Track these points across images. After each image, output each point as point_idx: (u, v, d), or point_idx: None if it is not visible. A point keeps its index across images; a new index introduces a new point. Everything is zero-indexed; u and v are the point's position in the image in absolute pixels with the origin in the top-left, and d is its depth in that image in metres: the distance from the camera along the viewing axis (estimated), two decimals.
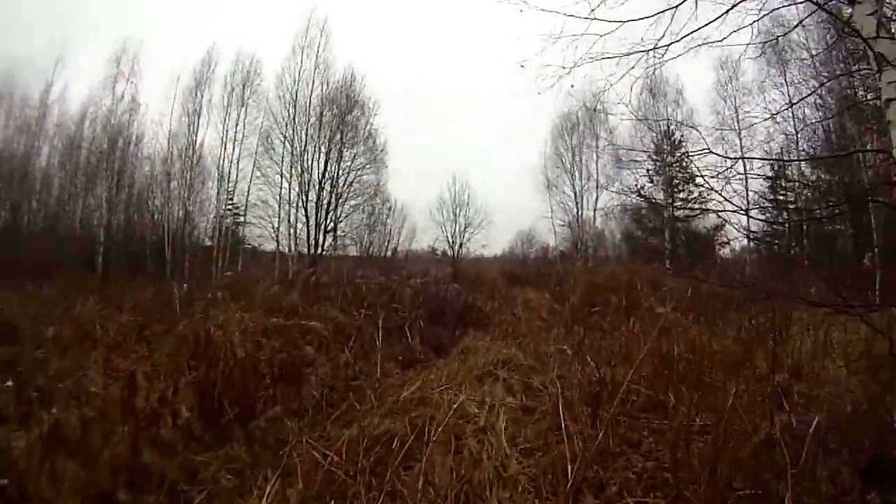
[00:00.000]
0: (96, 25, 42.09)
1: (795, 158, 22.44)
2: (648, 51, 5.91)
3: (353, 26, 55.65)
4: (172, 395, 4.93)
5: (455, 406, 5.21)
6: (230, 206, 27.52)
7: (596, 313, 9.63)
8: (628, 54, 5.93)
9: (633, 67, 6.07)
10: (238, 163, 27.21)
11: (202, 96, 27.49)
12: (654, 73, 6.30)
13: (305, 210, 26.15)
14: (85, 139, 26.52)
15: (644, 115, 27.91)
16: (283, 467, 4.22)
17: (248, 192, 27.10)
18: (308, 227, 26.05)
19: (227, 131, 27.12)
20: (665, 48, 5.81)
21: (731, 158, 6.32)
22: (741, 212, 7.57)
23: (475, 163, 59.64)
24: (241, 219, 27.70)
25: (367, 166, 28.20)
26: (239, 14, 41.79)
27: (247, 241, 28.46)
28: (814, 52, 21.97)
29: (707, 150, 6.43)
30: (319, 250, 26.01)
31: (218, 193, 27.36)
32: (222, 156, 27.21)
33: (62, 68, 26.35)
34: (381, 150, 29.17)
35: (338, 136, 26.78)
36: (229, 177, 27.22)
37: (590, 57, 5.96)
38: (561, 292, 13.86)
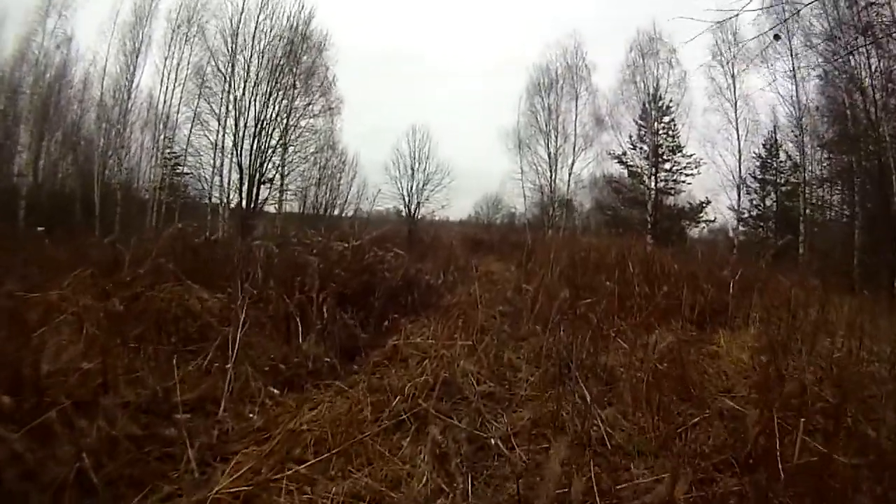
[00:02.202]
0: None
1: None
2: None
3: None
4: None
5: None
6: (169, 155, 24.28)
7: (580, 301, 6.79)
8: None
9: None
10: (179, 107, 23.98)
11: (143, 33, 24.02)
12: None
13: (239, 157, 22.91)
14: (23, 82, 22.96)
15: (632, 73, 25.55)
16: None
17: (189, 139, 23.95)
18: (242, 177, 22.87)
19: (167, 72, 23.83)
20: None
21: None
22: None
23: (447, 126, 56.33)
24: (181, 169, 24.62)
25: (314, 109, 25.08)
26: None
27: (187, 193, 25.23)
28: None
29: None
30: (253, 204, 22.86)
31: (155, 140, 24.05)
32: (161, 99, 23.97)
33: None
34: (330, 89, 25.88)
35: (279, 74, 23.47)
36: (168, 122, 24.02)
37: None
38: (531, 266, 10.99)
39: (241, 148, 22.95)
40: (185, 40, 23.89)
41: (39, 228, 12.59)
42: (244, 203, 22.68)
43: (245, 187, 22.58)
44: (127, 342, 4.45)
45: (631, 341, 5.54)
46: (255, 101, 23.31)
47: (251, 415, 4.06)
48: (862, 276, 15.42)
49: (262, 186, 23.25)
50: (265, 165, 23.19)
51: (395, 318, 6.68)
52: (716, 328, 6.99)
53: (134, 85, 23.87)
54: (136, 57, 23.79)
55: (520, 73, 34.72)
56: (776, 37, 14.81)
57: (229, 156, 23.08)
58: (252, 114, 23.26)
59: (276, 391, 4.48)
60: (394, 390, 4.27)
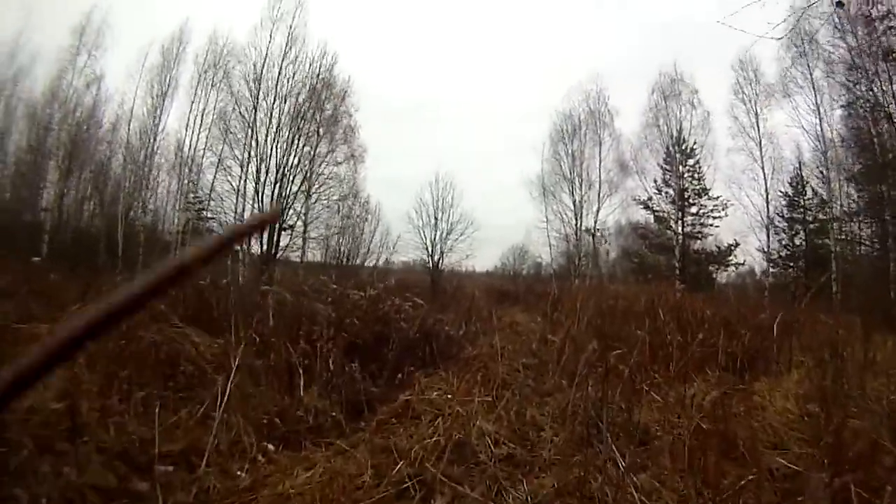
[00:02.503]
0: None
1: None
2: None
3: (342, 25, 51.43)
4: None
5: None
6: (194, 199, 24.37)
7: (610, 351, 6.29)
8: None
9: None
10: (204, 152, 24.16)
11: (170, 77, 24.43)
12: None
13: (260, 203, 22.64)
14: (53, 119, 23.39)
15: (655, 116, 25.21)
16: None
17: (213, 184, 23.97)
18: None
19: (193, 116, 24.12)
20: None
21: None
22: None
23: (472, 176, 55.96)
24: (205, 213, 24.72)
25: (338, 157, 24.94)
26: None
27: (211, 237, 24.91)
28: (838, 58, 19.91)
29: None
30: (274, 250, 22.54)
31: (179, 183, 24.18)
32: (186, 142, 24.20)
33: (26, 38, 23.16)
34: (353, 136, 25.61)
35: (302, 121, 23.30)
36: (192, 166, 24.19)
37: None
38: (557, 316, 10.42)
39: (263, 194, 22.71)
40: (212, 85, 24.19)
41: (35, 259, 12.25)
42: (264, 249, 22.35)
43: (265, 234, 22.20)
44: (113, 383, 4.07)
45: (666, 395, 5.04)
46: (276, 147, 23.14)
47: (239, 472, 3.64)
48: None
49: (282, 233, 22.93)
50: (286, 212, 22.82)
51: (410, 370, 6.22)
52: (755, 376, 6.47)
53: (160, 128, 24.19)
54: (163, 100, 24.17)
55: (543, 121, 34.20)
56: (839, 4, 14.23)
57: (251, 202, 22.89)
58: (274, 160, 23.09)
59: (270, 447, 4.06)
60: (400, 452, 3.82)
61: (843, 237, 20.83)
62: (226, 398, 4.03)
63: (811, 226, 22.66)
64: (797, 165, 22.37)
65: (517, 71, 62.10)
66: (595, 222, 26.58)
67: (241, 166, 23.01)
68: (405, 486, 3.37)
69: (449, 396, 5.24)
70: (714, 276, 25.56)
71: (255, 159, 22.84)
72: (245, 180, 23.00)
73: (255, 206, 22.67)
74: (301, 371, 5.13)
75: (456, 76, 60.81)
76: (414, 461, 3.66)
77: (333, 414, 4.87)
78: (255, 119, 23.03)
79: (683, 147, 25.17)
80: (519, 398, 5.29)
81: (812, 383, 5.52)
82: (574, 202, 27.02)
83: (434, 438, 3.98)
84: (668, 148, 25.40)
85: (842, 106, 20.31)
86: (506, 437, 4.32)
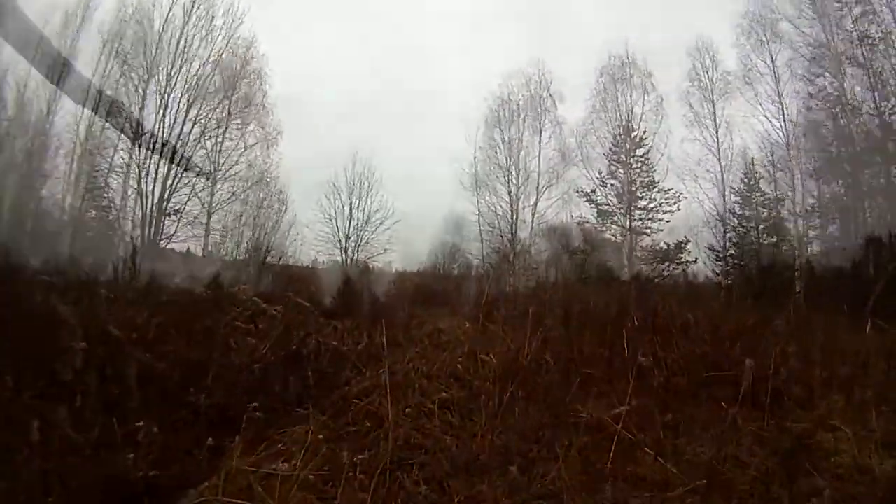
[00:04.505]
0: None
1: None
2: None
3: None
4: None
5: None
6: (89, 184, 20.75)
7: (582, 384, 3.73)
8: None
9: None
10: (102, 129, 19.88)
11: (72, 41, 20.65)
12: None
13: (143, 185, 19.34)
14: None
15: (602, 101, 22.96)
16: None
17: (110, 164, 20.17)
18: (143, 207, 19.24)
19: (91, 91, 20.26)
20: None
21: None
22: None
23: (403, 168, 52.92)
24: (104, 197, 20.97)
25: (247, 139, 21.80)
26: None
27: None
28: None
29: None
30: (158, 236, 19.37)
31: (70, 166, 20.57)
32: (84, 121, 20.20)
33: None
34: (265, 115, 22.68)
35: (201, 90, 20.16)
36: (87, 146, 20.45)
37: None
38: (492, 321, 7.65)
39: (146, 171, 19.65)
40: (115, 54, 20.40)
41: None
42: (143, 237, 19.08)
43: (147, 219, 19.01)
44: None
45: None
46: (165, 119, 20.06)
47: None
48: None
49: (165, 218, 19.72)
50: (169, 193, 19.68)
51: (251, 419, 3.44)
52: (783, 411, 4.28)
53: (57, 105, 20.61)
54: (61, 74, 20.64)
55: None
56: None
57: (133, 181, 19.70)
58: (161, 134, 20.00)
59: None
60: None
61: (805, 234, 19.72)
62: None
63: (763, 224, 20.93)
64: (751, 160, 20.77)
65: (457, 64, 59.67)
66: (532, 216, 24.05)
67: (132, 140, 19.53)
68: None
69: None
70: (663, 275, 23.45)
71: (141, 133, 19.44)
72: (131, 156, 19.62)
73: (141, 185, 19.48)
74: None
75: (391, 69, 57.75)
76: None
77: None
78: (146, 88, 19.91)
79: (633, 136, 23.11)
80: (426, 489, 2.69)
81: None
82: (510, 193, 24.47)
83: None
84: (615, 136, 23.26)
85: (807, 95, 18.99)
86: None
